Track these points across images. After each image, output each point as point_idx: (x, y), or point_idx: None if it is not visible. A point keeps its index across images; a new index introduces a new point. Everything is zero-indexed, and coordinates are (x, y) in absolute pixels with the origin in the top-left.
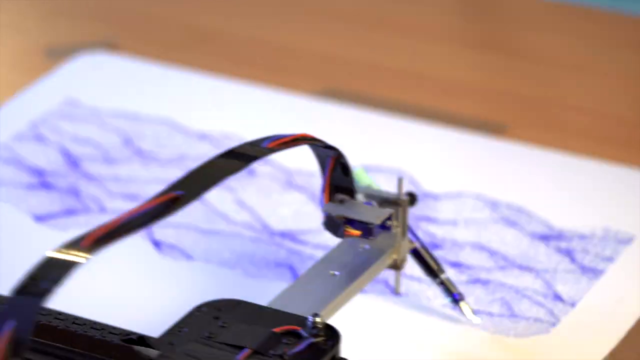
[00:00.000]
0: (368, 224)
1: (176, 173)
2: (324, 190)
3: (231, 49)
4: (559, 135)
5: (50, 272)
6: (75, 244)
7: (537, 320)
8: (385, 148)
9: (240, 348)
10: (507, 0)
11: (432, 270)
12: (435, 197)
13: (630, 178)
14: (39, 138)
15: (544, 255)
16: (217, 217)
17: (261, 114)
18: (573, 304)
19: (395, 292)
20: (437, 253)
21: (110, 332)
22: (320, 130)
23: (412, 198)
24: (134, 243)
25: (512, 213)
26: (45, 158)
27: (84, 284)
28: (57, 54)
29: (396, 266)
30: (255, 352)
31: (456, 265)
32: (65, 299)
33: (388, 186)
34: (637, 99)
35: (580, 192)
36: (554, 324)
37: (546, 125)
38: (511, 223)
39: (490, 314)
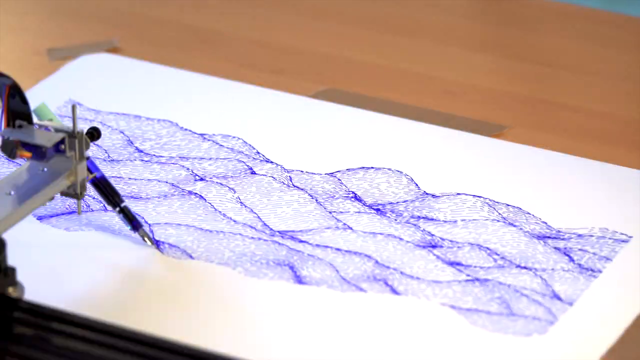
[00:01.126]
0: (41, 146)
1: (177, 173)
2: (2, 115)
3: (231, 50)
4: (559, 135)
5: None
6: None
7: (535, 319)
8: (385, 148)
9: None
10: (507, 1)
11: (111, 200)
12: (434, 197)
13: (628, 178)
14: None
15: (542, 255)
16: (218, 217)
17: (261, 114)
18: (571, 303)
19: (77, 213)
20: (436, 252)
21: None
22: (320, 130)
23: (94, 132)
24: (136, 243)
25: (510, 213)
26: None
27: (85, 282)
28: (59, 55)
29: (76, 196)
30: None
31: (455, 264)
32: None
33: (389, 186)
34: (637, 99)
35: (579, 192)
36: (552, 323)
37: (546, 125)
38: (510, 223)
39: (489, 313)
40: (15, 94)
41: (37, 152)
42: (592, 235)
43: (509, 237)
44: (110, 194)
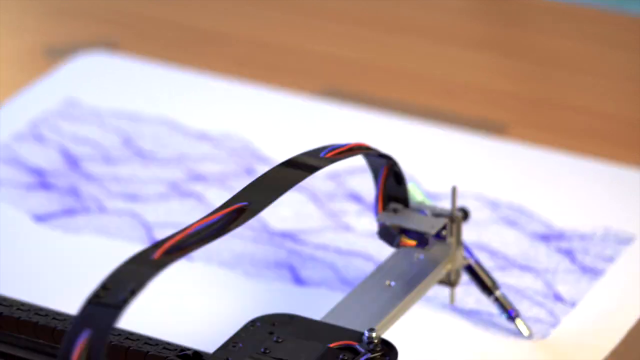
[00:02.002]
0: (424, 233)
1: (176, 173)
2: (377, 200)
3: (231, 49)
4: (559, 135)
5: (124, 283)
6: (146, 255)
7: (537, 320)
8: (385, 148)
9: None
10: (507, 1)
11: (486, 286)
12: (435, 197)
13: (630, 178)
14: (39, 138)
15: (544, 256)
16: None
17: (261, 114)
18: (573, 304)
19: (450, 302)
20: None
21: (165, 348)
22: (321, 130)
23: (465, 213)
24: (136, 244)
25: (512, 213)
26: (45, 158)
27: (85, 282)
28: (57, 54)
29: (450, 282)
30: None
31: None
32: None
33: None
34: (637, 99)
35: (581, 192)
36: (554, 324)
37: (546, 125)
38: (511, 223)
39: (491, 314)
40: (390, 175)
41: (419, 239)
42: (594, 236)
43: (511, 238)
44: (485, 280)
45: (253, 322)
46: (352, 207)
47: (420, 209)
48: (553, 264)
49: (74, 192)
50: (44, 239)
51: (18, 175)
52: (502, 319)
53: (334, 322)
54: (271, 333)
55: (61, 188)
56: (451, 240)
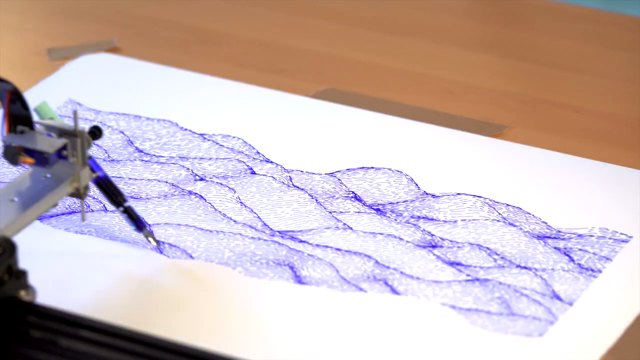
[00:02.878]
0: (43, 152)
1: (177, 173)
2: (3, 122)
3: (231, 50)
4: (559, 135)
5: None
6: None
7: (535, 318)
8: (385, 148)
9: None
10: (507, 1)
11: (114, 199)
12: (434, 197)
13: (628, 178)
14: None
15: (542, 255)
16: (218, 217)
17: (261, 114)
18: (571, 303)
19: (81, 220)
20: (436, 252)
21: None
22: (320, 130)
23: (96, 131)
24: (135, 244)
25: (510, 213)
26: None
27: (84, 283)
28: (59, 55)
29: (79, 194)
30: None
31: (455, 264)
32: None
33: (389, 186)
34: (637, 99)
35: (579, 192)
36: (552, 323)
37: (546, 125)
38: (510, 223)
39: (489, 313)
40: (17, 100)
41: (40, 159)
42: (592, 235)
43: (509, 237)
44: (113, 194)
45: None
46: (352, 207)
47: (49, 130)
48: (551, 263)
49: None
50: (45, 239)
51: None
52: (502, 318)
53: None
54: None
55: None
56: (74, 160)
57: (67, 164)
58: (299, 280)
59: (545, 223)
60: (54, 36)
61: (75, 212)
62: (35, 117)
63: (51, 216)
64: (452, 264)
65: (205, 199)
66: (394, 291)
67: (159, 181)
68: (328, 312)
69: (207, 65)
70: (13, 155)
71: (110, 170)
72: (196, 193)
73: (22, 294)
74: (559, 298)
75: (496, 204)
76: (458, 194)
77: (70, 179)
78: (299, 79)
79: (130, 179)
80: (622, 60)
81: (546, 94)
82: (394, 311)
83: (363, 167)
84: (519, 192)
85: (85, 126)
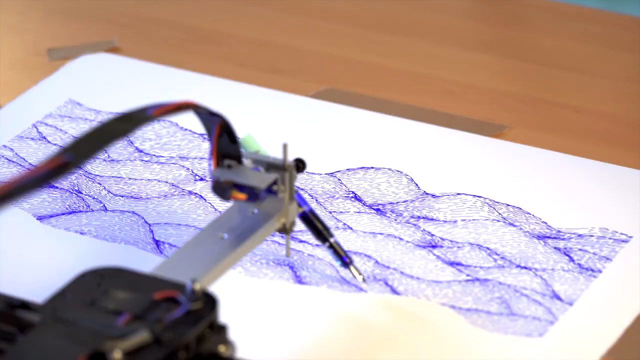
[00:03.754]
0: (254, 188)
1: (177, 173)
2: (211, 156)
3: (231, 50)
4: (559, 135)
5: None
6: None
7: (535, 318)
8: (385, 148)
9: (121, 313)
10: (507, 1)
11: (320, 233)
12: (434, 196)
13: (628, 178)
14: (41, 138)
15: (542, 255)
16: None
17: (262, 114)
18: (571, 303)
19: (286, 255)
20: (436, 252)
21: None
22: (321, 130)
23: (299, 164)
24: (135, 244)
25: (510, 213)
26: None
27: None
28: (59, 55)
29: (285, 230)
30: (135, 317)
31: (455, 264)
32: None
33: (389, 186)
34: (637, 99)
35: (579, 192)
36: (552, 323)
37: (546, 126)
38: (510, 223)
39: (489, 313)
40: (224, 133)
41: (250, 194)
42: (592, 235)
43: (509, 237)
44: (320, 228)
45: (83, 275)
46: (352, 207)
47: (255, 163)
48: (551, 263)
49: (75, 191)
50: (46, 239)
51: None
52: (502, 318)
53: (164, 273)
54: (99, 284)
55: (63, 188)
56: (284, 195)
57: (275, 199)
58: (299, 280)
59: (545, 223)
60: (54, 36)
61: (74, 212)
62: (242, 151)
63: (51, 216)
64: (452, 264)
65: (205, 199)
66: (394, 291)
67: (159, 181)
68: (328, 312)
69: (207, 65)
70: (224, 191)
71: (110, 170)
72: (196, 193)
73: (222, 349)
74: (559, 298)
75: (496, 204)
76: (458, 194)
77: (278, 214)
78: (299, 79)
79: (130, 179)
80: (622, 60)
81: (546, 94)
82: (394, 311)
83: (363, 167)
84: (519, 192)
85: (290, 159)
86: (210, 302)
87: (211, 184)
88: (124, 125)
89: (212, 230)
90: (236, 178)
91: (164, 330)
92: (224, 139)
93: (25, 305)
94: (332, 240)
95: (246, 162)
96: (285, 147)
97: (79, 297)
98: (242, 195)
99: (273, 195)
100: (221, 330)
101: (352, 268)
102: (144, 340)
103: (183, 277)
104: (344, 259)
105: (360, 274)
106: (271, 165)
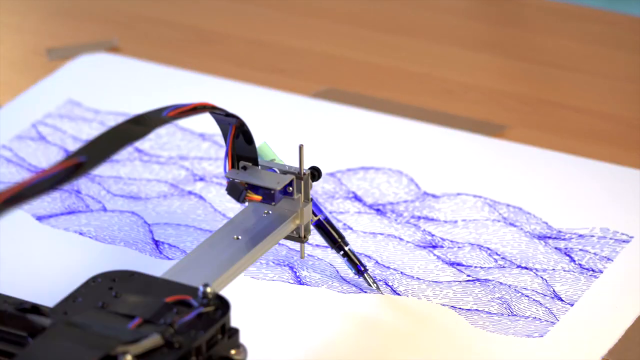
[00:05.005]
0: (270, 189)
1: (177, 173)
2: (227, 157)
3: (231, 50)
4: (559, 135)
5: None
6: None
7: (535, 319)
8: (385, 148)
9: (132, 317)
10: (507, 1)
11: (335, 241)
12: (435, 197)
13: (629, 178)
14: (40, 138)
15: (543, 255)
16: (218, 217)
17: (262, 114)
18: (572, 304)
19: (301, 257)
20: (436, 252)
21: (5, 302)
22: (320, 130)
23: (315, 172)
24: (135, 244)
25: (511, 213)
26: (47, 158)
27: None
28: (58, 55)
29: (300, 238)
30: (146, 321)
31: (455, 264)
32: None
33: (389, 186)
34: (637, 99)
35: (579, 192)
36: (552, 323)
37: (546, 125)
38: (510, 223)
39: (490, 313)
40: (239, 134)
41: (265, 195)
42: (592, 236)
43: (510, 238)
44: (335, 237)
45: (94, 278)
46: (352, 207)
47: (270, 168)
48: (551, 264)
49: (75, 192)
50: (46, 239)
51: (20, 175)
52: (503, 318)
53: (177, 276)
54: (111, 288)
55: (62, 188)
56: (298, 196)
57: (290, 200)
58: (298, 280)
59: (546, 223)
60: (53, 36)
61: (74, 212)
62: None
63: (50, 216)
64: (452, 264)
65: (205, 199)
66: (394, 291)
67: (158, 181)
68: (328, 312)
69: (207, 65)
70: (239, 192)
71: (109, 171)
72: (196, 193)
73: (233, 352)
74: (559, 298)
75: (497, 204)
76: (458, 194)
77: (293, 216)
78: (299, 79)
79: (130, 179)
80: (622, 60)
81: (546, 94)
82: (394, 312)
83: (363, 167)
84: (520, 192)
85: (305, 168)
86: (222, 305)
87: (227, 185)
88: (139, 127)
89: (226, 232)
90: (251, 179)
91: (175, 334)
92: (239, 141)
93: (35, 308)
94: (347, 248)
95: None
96: (301, 148)
97: (89, 300)
98: (257, 197)
99: (288, 196)
100: (233, 333)
101: (366, 276)
102: (155, 344)
103: (197, 279)
104: (359, 267)
105: (374, 282)
106: (287, 173)
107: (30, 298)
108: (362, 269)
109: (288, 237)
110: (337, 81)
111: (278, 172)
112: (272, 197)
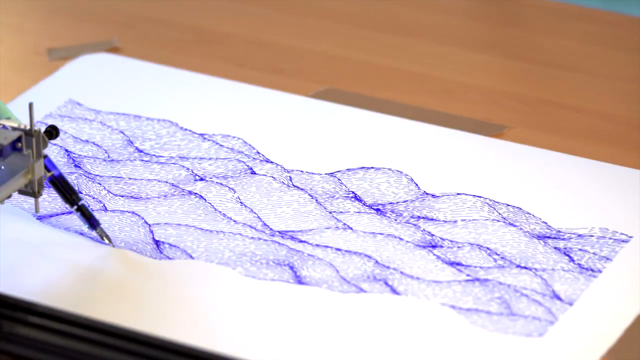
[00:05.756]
0: None
1: (177, 173)
2: None
3: (231, 50)
4: (559, 135)
5: None
6: None
7: (535, 318)
8: (385, 148)
9: None
10: (507, 1)
11: (68, 198)
12: (434, 196)
13: (628, 178)
14: None
15: (542, 255)
16: (218, 217)
17: (261, 114)
18: (571, 303)
19: (35, 212)
20: (436, 252)
21: None
22: (320, 130)
23: (53, 130)
24: (138, 241)
25: (510, 213)
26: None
27: (84, 282)
28: (59, 55)
29: (34, 193)
30: None
31: (455, 264)
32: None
33: (389, 186)
34: (637, 99)
35: (579, 192)
36: (552, 323)
37: (546, 126)
38: (510, 223)
39: (489, 313)
40: None
41: None
42: (592, 235)
43: (509, 237)
44: (67, 192)
45: None
46: (352, 207)
47: (4, 125)
48: (551, 263)
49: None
50: (46, 238)
51: None
52: (502, 318)
53: None
54: None
55: None
56: (28, 152)
57: (21, 156)
58: (299, 280)
59: (546, 223)
60: (54, 36)
61: (73, 212)
62: None
63: (51, 216)
64: (452, 264)
65: (205, 199)
66: (394, 291)
67: (159, 181)
68: (328, 312)
69: (207, 65)
70: None
71: (110, 171)
72: (196, 193)
73: None
74: (559, 298)
75: (496, 204)
76: (458, 194)
77: (24, 171)
78: (299, 79)
79: (130, 179)
80: (622, 60)
81: (546, 94)
82: (394, 311)
83: (363, 167)
84: (519, 192)
85: (41, 127)
86: None
87: None
88: None
89: None
90: None
91: None
92: None
93: None
94: (80, 203)
95: None
96: (31, 106)
97: None
98: None
99: (19, 152)
100: None
101: (98, 230)
102: None
103: None
104: (91, 221)
105: (107, 236)
106: (17, 130)
107: (30, 297)
108: (95, 223)
109: (22, 192)
110: (337, 81)
111: (10, 129)
112: (0, 152)
